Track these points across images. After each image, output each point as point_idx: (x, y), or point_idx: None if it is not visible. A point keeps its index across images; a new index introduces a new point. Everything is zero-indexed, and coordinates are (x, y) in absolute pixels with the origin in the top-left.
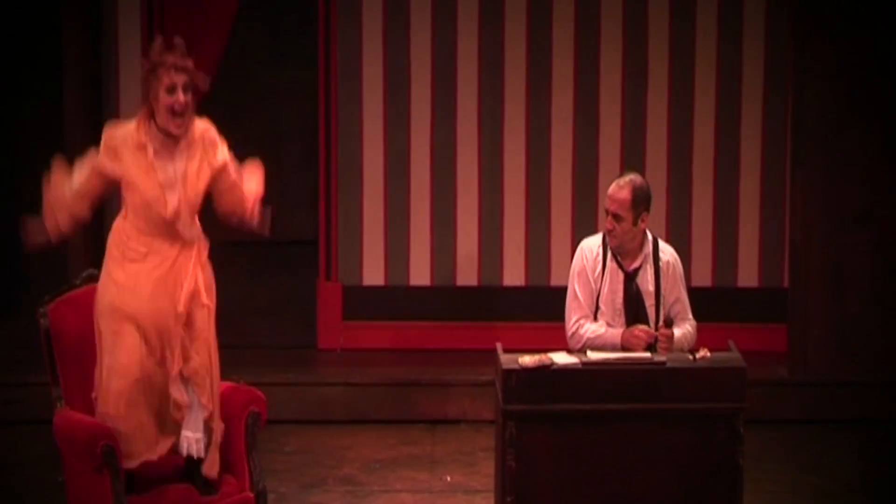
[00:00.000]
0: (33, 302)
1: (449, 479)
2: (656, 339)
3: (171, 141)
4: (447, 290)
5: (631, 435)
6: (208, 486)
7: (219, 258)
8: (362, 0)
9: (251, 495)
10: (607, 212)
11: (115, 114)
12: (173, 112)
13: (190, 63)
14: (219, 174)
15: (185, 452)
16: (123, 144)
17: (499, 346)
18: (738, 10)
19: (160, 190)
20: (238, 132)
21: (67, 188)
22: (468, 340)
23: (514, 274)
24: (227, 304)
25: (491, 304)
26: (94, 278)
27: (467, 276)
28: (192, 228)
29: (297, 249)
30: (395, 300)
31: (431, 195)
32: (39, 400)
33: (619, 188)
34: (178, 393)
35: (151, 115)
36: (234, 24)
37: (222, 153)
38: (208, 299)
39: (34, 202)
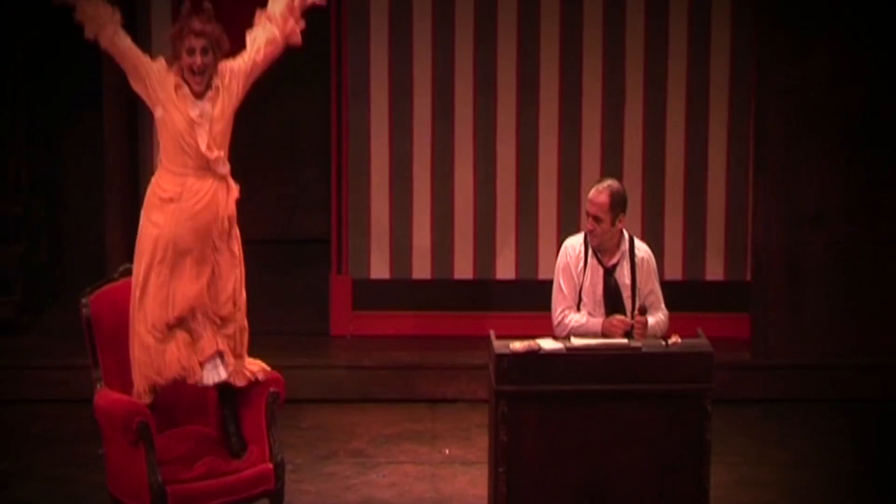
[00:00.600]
0: (76, 294)
1: (448, 451)
2: (633, 327)
3: (199, 89)
4: (446, 282)
5: (610, 412)
6: (241, 442)
7: (244, 255)
8: (370, 23)
9: (270, 466)
10: (588, 214)
11: (149, 124)
12: (192, 71)
13: (211, 27)
14: (244, 68)
15: (213, 379)
16: (166, 78)
17: (492, 333)
18: (705, 35)
19: (192, 125)
20: (258, 141)
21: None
22: (464, 328)
23: (505, 268)
24: (249, 295)
25: (485, 295)
26: (130, 272)
27: (464, 270)
28: (224, 165)
29: (312, 246)
30: (400, 292)
31: (432, 197)
32: (82, 381)
33: (598, 193)
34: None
35: (181, 69)
36: None
37: (236, 61)
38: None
39: (79, 207)
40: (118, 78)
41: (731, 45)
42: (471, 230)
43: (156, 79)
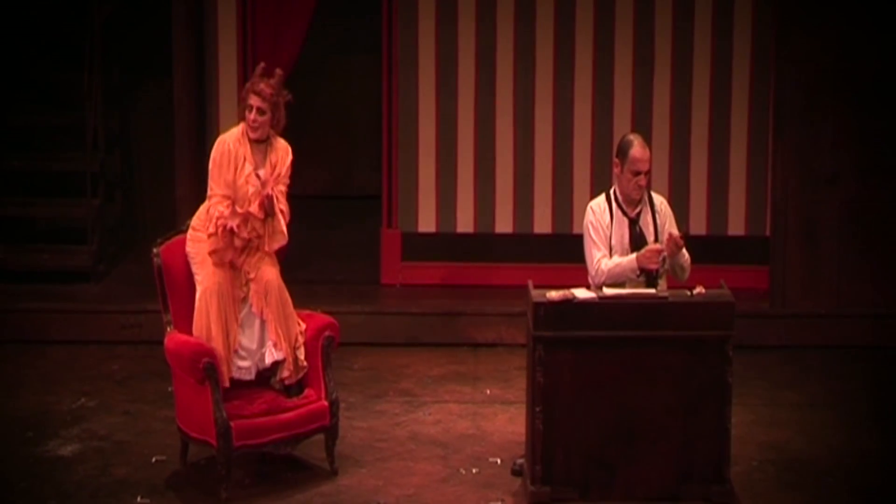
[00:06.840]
0: (148, 245)
1: (489, 392)
2: (668, 243)
3: (260, 146)
4: (487, 236)
5: (638, 356)
6: (297, 388)
7: (302, 210)
8: None
9: (326, 404)
10: (639, 172)
11: (216, 88)
12: (249, 125)
13: (269, 91)
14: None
15: (267, 362)
16: (229, 165)
17: (530, 282)
18: (729, 9)
19: (251, 195)
20: (315, 106)
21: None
22: (504, 278)
23: (542, 223)
24: (307, 247)
25: (523, 248)
26: None
27: (504, 224)
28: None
29: (365, 202)
30: (445, 244)
31: (475, 158)
32: (153, 325)
33: (643, 149)
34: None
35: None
36: (312, 16)
37: (279, 168)
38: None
39: (151, 164)
40: (187, 46)
41: (753, 18)
42: (511, 188)
43: (229, 187)
